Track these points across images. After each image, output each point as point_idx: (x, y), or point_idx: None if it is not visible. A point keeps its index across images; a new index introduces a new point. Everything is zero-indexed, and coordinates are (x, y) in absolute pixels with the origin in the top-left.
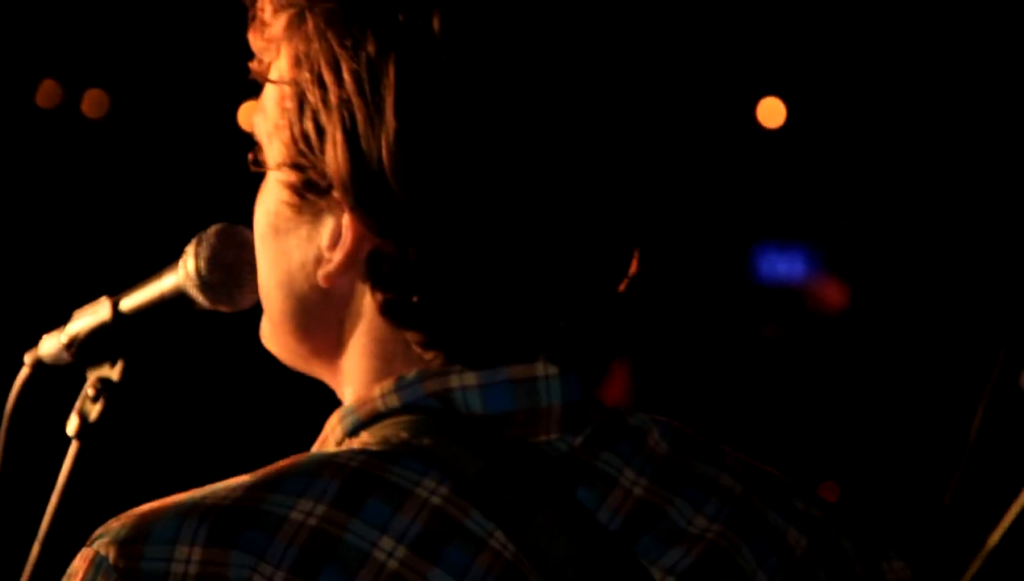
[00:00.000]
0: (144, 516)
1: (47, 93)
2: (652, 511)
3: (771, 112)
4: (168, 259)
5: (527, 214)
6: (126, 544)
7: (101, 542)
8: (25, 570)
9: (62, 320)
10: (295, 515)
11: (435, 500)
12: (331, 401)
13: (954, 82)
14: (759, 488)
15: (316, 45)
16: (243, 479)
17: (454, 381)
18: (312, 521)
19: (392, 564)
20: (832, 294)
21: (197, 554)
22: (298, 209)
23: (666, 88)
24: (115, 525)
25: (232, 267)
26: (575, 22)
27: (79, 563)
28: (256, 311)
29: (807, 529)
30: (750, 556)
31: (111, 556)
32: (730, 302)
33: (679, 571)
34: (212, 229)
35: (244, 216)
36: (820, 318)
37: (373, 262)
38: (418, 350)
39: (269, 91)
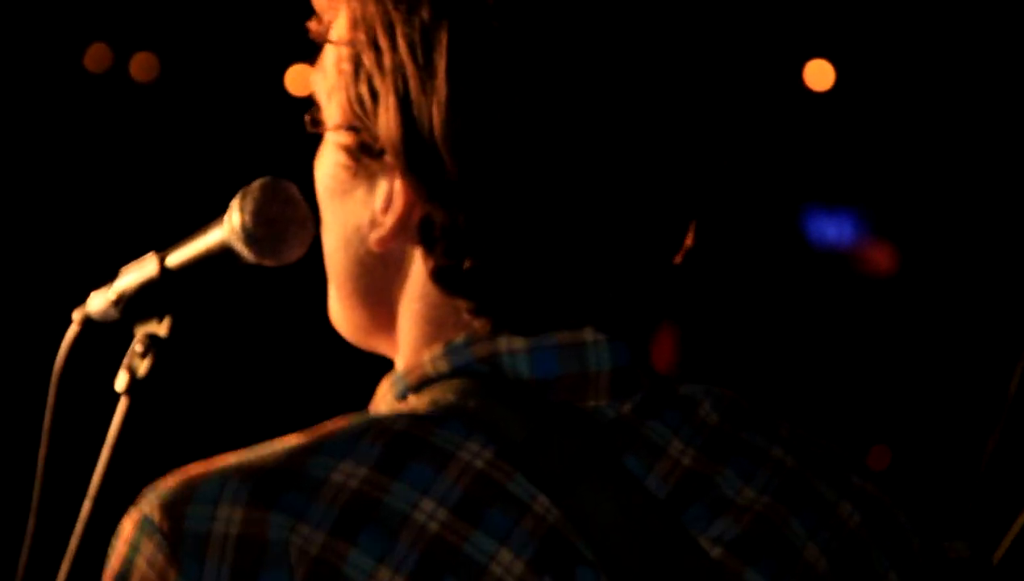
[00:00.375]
0: (189, 478)
1: (96, 57)
2: (700, 480)
3: (819, 74)
4: (211, 219)
5: (578, 183)
6: (170, 505)
7: (146, 503)
8: (77, 526)
9: (109, 278)
10: (336, 477)
11: (478, 463)
12: (378, 361)
13: (1008, 42)
14: (812, 460)
15: (372, 8)
16: (289, 441)
17: (502, 345)
18: (353, 483)
19: (433, 526)
20: (880, 258)
21: (238, 514)
22: (353, 172)
23: (721, 56)
24: (161, 486)
25: (277, 221)
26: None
27: (126, 524)
28: (303, 265)
29: (861, 503)
30: (800, 529)
31: (156, 517)
32: (778, 267)
33: (726, 541)
34: (257, 183)
35: (291, 177)
36: (869, 282)
37: (424, 227)
38: (468, 317)
39: (328, 51)
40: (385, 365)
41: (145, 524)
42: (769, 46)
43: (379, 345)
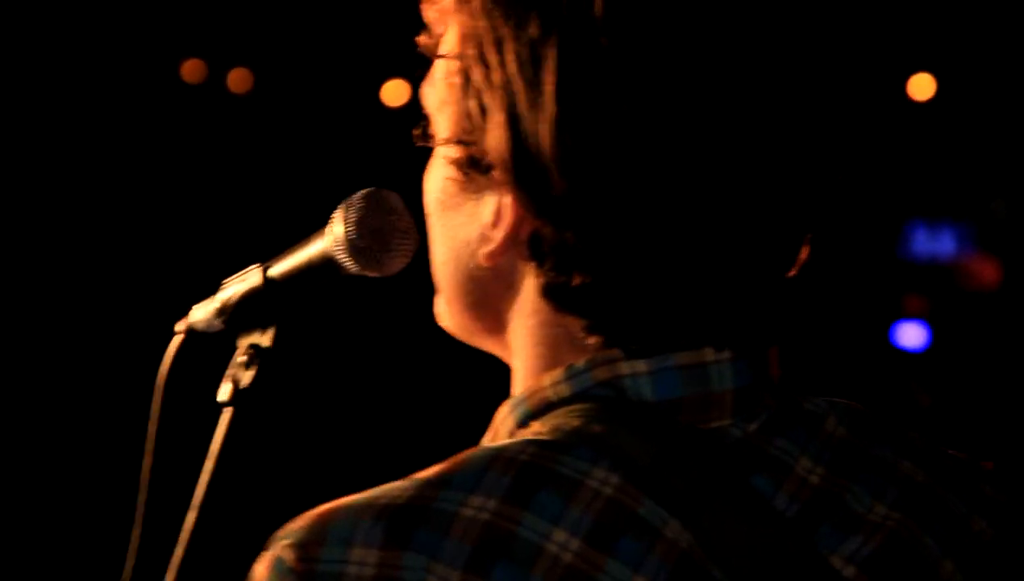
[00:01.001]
0: (320, 518)
1: (192, 70)
2: (829, 498)
3: (922, 87)
4: (311, 231)
5: (689, 199)
6: (303, 547)
7: (280, 545)
8: (181, 536)
9: (210, 290)
10: (466, 512)
11: (607, 490)
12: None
13: None
14: (942, 474)
15: (482, 23)
16: (416, 476)
17: (624, 368)
18: (484, 516)
19: (566, 557)
20: (984, 271)
21: (372, 557)
22: (462, 185)
23: (832, 72)
24: (293, 528)
25: (380, 231)
26: (739, 8)
27: (259, 567)
28: (408, 277)
29: (995, 516)
30: (934, 545)
31: (289, 559)
32: (880, 279)
33: (859, 560)
34: (360, 194)
35: (388, 187)
36: (971, 295)
37: (534, 243)
38: (581, 335)
39: (439, 65)
40: (489, 366)
41: (279, 566)
42: (873, 59)
43: (486, 345)
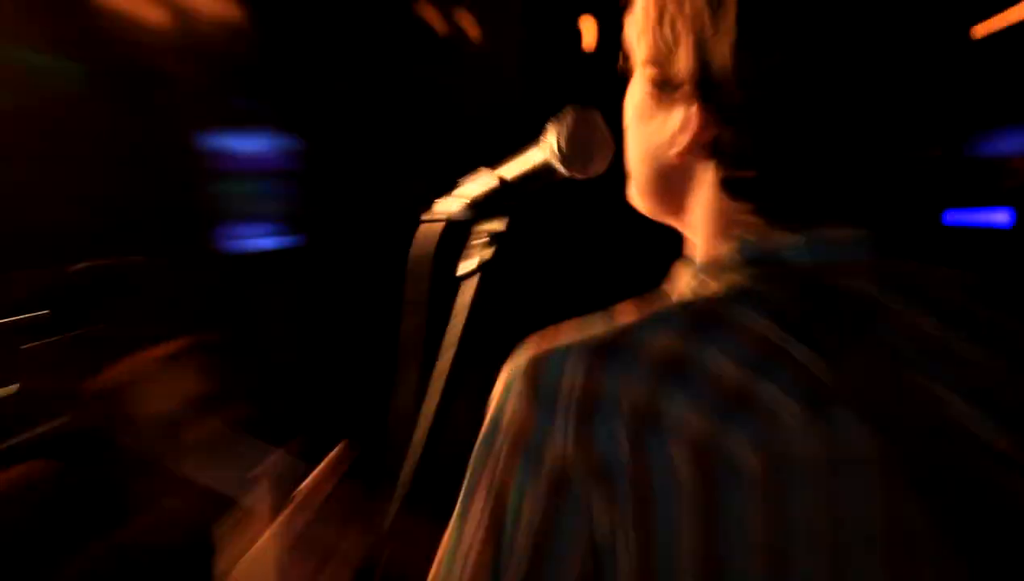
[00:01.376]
0: (544, 345)
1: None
2: (943, 344)
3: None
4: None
5: (837, 111)
6: (530, 366)
7: (512, 364)
8: (435, 380)
9: (442, 190)
10: (656, 342)
11: (767, 332)
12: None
13: None
14: None
15: None
16: (617, 320)
17: (786, 240)
18: (668, 346)
19: (729, 378)
20: None
21: (580, 375)
22: (657, 99)
23: (916, 25)
24: (522, 351)
25: (586, 143)
26: None
27: (499, 380)
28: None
29: None
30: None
31: (520, 374)
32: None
33: (962, 392)
34: (568, 112)
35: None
36: None
37: (716, 146)
38: (749, 217)
39: (638, 1)
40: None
41: (512, 380)
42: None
43: (668, 221)
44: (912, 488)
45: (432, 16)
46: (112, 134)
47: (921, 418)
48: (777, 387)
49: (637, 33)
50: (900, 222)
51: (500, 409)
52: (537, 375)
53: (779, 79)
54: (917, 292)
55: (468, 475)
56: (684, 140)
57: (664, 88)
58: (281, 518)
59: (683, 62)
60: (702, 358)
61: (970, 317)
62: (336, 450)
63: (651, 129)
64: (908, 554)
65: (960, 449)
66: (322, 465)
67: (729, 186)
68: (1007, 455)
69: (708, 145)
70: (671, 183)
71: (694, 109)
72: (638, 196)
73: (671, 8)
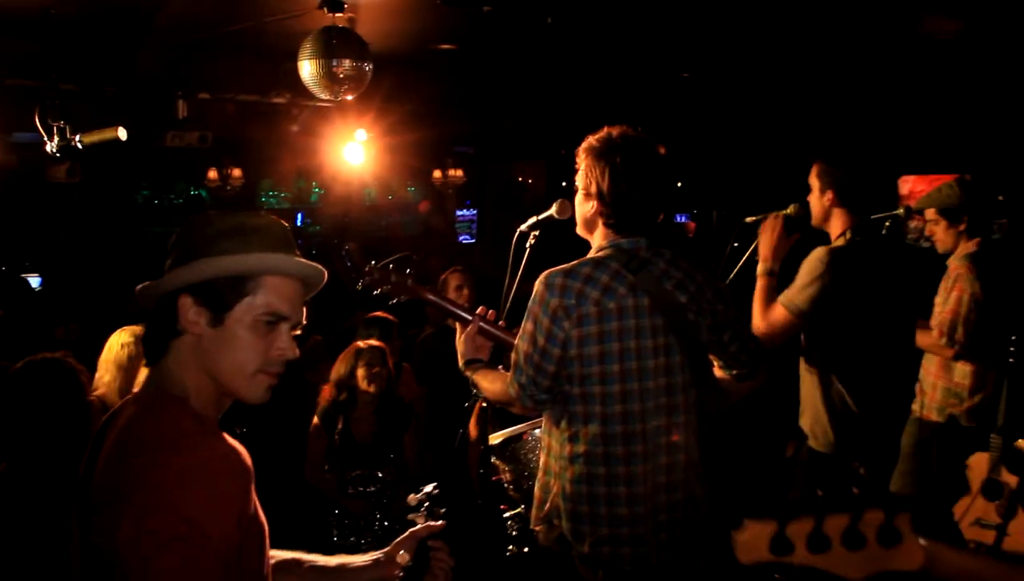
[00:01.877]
0: (548, 271)
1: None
2: (672, 274)
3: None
4: None
5: (643, 204)
6: (544, 278)
7: (541, 277)
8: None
9: None
10: (583, 269)
11: (617, 267)
12: None
13: None
14: (710, 281)
15: (589, 161)
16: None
17: (621, 241)
18: (586, 270)
19: (605, 282)
20: None
21: (559, 278)
22: (585, 199)
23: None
24: (544, 274)
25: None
26: (648, 164)
27: (538, 285)
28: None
29: (714, 288)
30: (713, 299)
31: (541, 280)
32: None
33: (687, 300)
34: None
35: None
36: None
37: (603, 215)
38: (611, 233)
39: (579, 174)
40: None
41: (540, 281)
42: None
43: (587, 238)
44: (658, 315)
45: None
46: None
47: (665, 296)
48: (620, 285)
49: (579, 178)
50: (659, 236)
51: (536, 290)
52: (547, 279)
53: (623, 194)
54: (664, 256)
55: (525, 316)
56: (593, 212)
57: (587, 197)
58: None
59: (593, 189)
60: (597, 274)
61: (681, 265)
62: None
63: (584, 209)
64: (653, 335)
65: (675, 303)
66: None
67: (606, 225)
68: (685, 305)
69: (600, 214)
70: (589, 226)
71: (596, 205)
72: (580, 230)
73: (589, 174)
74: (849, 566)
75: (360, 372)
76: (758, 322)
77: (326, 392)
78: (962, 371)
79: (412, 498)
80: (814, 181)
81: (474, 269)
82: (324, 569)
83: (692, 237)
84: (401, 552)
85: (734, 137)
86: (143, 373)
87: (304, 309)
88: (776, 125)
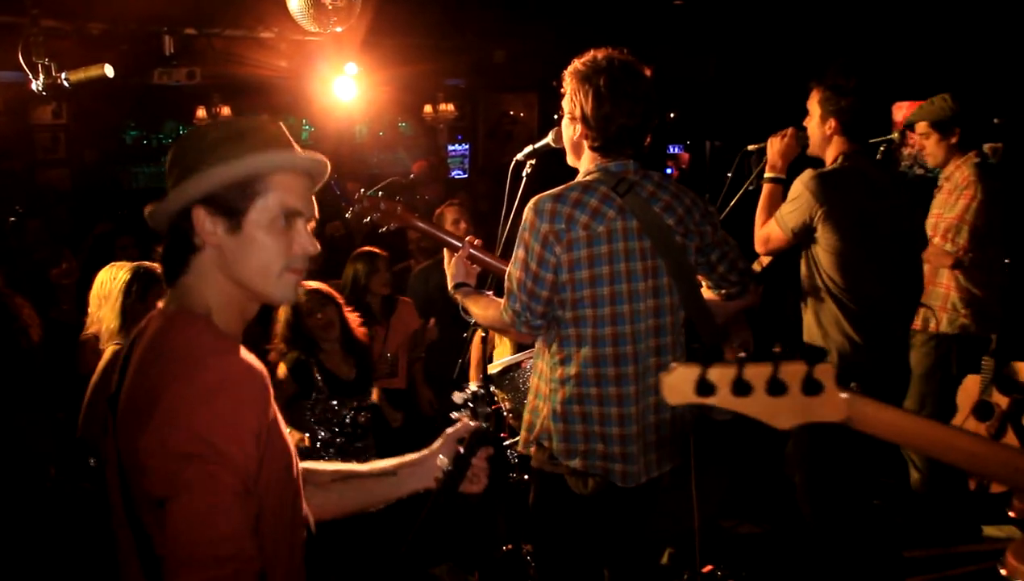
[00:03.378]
0: (536, 196)
1: None
2: (660, 196)
3: None
4: None
5: (624, 122)
6: (533, 203)
7: (530, 203)
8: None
9: None
10: (572, 194)
11: (606, 191)
12: None
13: None
14: (698, 200)
15: (574, 85)
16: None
17: (608, 163)
18: (575, 195)
19: (594, 205)
20: None
21: (549, 203)
22: (569, 123)
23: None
24: (532, 200)
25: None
26: (631, 81)
27: (528, 211)
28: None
29: (701, 209)
30: (696, 214)
31: (530, 206)
32: None
33: (665, 209)
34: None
35: None
36: None
37: (588, 137)
38: (597, 156)
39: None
40: None
41: (529, 208)
42: None
43: (575, 164)
44: (646, 237)
45: None
46: None
47: (653, 218)
48: (609, 208)
49: (565, 102)
50: (644, 158)
51: (526, 216)
52: (536, 205)
53: (607, 116)
54: (652, 179)
55: (516, 243)
56: (579, 134)
57: (572, 120)
58: None
59: (578, 112)
60: (586, 198)
61: (670, 187)
62: None
63: (570, 132)
64: (642, 257)
65: (663, 226)
66: None
67: (594, 147)
68: (672, 228)
69: (585, 137)
70: (576, 150)
71: (580, 127)
72: (569, 157)
73: (573, 97)
74: (773, 413)
75: (309, 322)
76: (757, 230)
77: (278, 342)
78: (966, 280)
79: (457, 395)
80: (814, 107)
81: (470, 203)
82: (365, 479)
83: (686, 168)
84: (440, 457)
85: (728, 66)
86: (166, 294)
87: (315, 202)
88: (770, 54)
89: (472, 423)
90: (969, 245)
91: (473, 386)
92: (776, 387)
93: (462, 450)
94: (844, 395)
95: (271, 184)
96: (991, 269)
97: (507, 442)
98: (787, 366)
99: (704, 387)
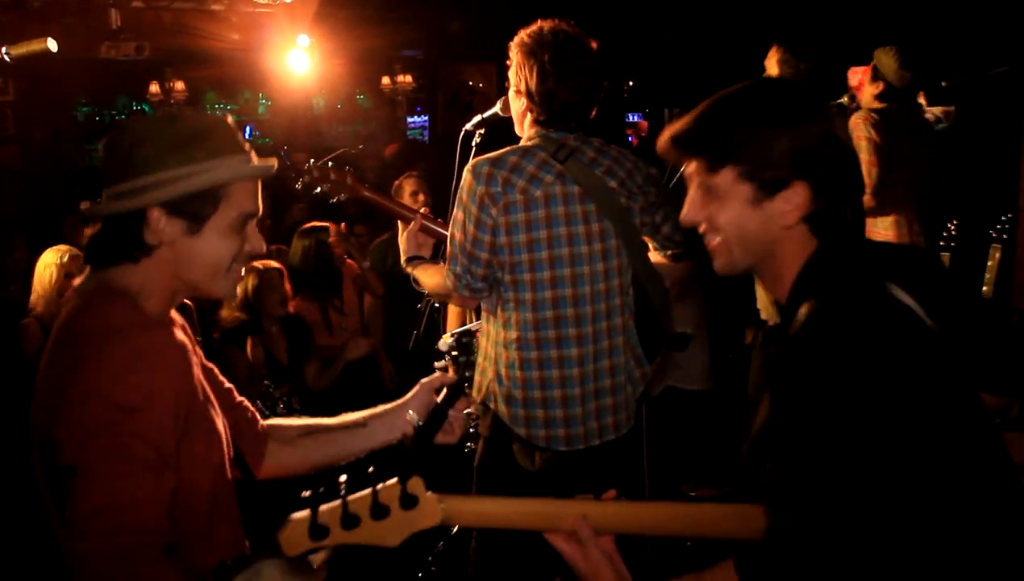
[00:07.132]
0: (474, 160)
1: None
2: (601, 160)
3: None
4: None
5: (570, 94)
6: (471, 167)
7: (467, 167)
8: None
9: None
10: (510, 158)
11: (545, 156)
12: None
13: None
14: (637, 161)
15: (520, 58)
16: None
17: (550, 132)
18: (514, 159)
19: (531, 171)
20: None
21: (486, 167)
22: (516, 95)
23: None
24: (470, 163)
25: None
26: (578, 54)
27: (465, 173)
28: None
29: (652, 177)
30: (636, 177)
31: (468, 169)
32: None
33: (607, 172)
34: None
35: None
36: None
37: (533, 112)
38: (540, 128)
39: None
40: None
41: (467, 171)
42: None
43: (520, 131)
44: (589, 201)
45: None
46: None
47: (595, 182)
48: (547, 174)
49: (511, 74)
50: (589, 127)
51: (464, 179)
52: (474, 167)
53: (551, 92)
54: (593, 145)
55: (455, 209)
56: (523, 109)
57: (518, 94)
58: None
59: (523, 86)
60: (524, 163)
61: (611, 152)
62: None
63: (516, 106)
64: (585, 221)
65: (606, 188)
66: None
67: (536, 122)
68: (615, 190)
69: (530, 111)
70: (521, 122)
71: (524, 101)
72: (517, 127)
73: (519, 71)
74: (382, 536)
75: (265, 295)
76: None
77: (227, 314)
78: (885, 223)
79: (442, 342)
80: (773, 68)
81: (430, 174)
82: (334, 431)
83: (645, 135)
84: (410, 412)
85: (684, 33)
86: (85, 272)
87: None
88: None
89: (444, 374)
90: (874, 183)
91: (460, 330)
92: (379, 512)
93: (439, 400)
94: (436, 499)
95: (232, 190)
96: (906, 214)
97: (464, 411)
98: (384, 489)
99: (317, 531)
